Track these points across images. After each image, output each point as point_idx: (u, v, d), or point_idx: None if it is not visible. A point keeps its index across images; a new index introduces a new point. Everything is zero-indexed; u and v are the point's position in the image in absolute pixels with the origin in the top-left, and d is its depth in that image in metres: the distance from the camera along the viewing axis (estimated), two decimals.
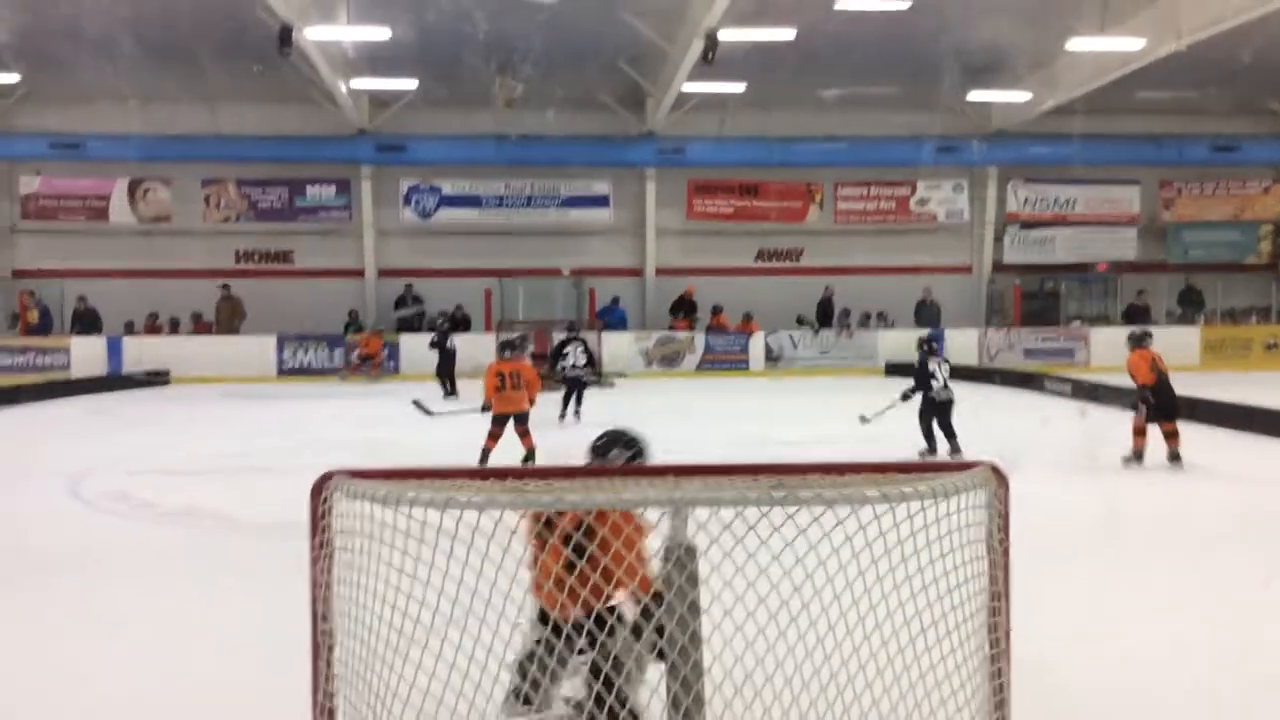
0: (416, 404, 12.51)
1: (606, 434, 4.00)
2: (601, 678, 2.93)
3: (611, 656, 3.01)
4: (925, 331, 18.80)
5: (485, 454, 10.59)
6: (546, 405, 17.52)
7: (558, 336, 18.89)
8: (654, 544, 3.05)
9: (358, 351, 22.84)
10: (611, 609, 3.16)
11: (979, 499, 2.94)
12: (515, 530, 2.76)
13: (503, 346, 11.62)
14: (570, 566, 3.02)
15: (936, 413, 11.37)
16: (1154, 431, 10.79)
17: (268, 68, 19.31)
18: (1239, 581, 6.29)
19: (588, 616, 3.05)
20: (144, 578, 6.77)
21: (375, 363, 22.61)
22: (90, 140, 23.09)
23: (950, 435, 11.30)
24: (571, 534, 3.05)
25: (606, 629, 3.02)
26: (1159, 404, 10.82)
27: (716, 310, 24.90)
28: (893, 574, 2.86)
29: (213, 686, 4.72)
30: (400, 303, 24.63)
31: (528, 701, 3.31)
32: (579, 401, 15.16)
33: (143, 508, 8.99)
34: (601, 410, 16.91)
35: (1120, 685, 4.51)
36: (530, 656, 3.28)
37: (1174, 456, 10.59)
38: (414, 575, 2.81)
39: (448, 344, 19.21)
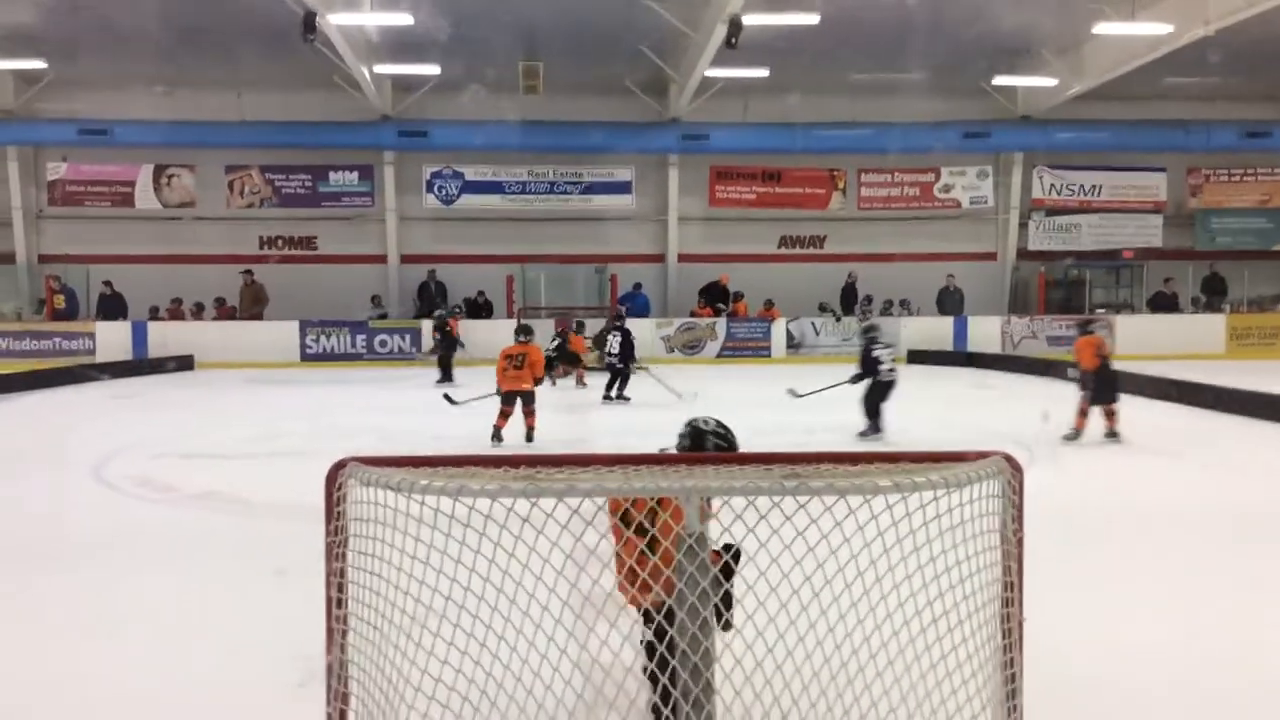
0: (446, 397, 12.99)
1: (691, 426, 3.92)
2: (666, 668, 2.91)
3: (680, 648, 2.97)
4: (868, 321, 19.14)
5: (496, 431, 11.48)
6: (586, 389, 17.58)
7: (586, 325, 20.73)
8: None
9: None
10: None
11: (993, 489, 2.93)
12: (527, 518, 2.77)
13: (517, 332, 12.50)
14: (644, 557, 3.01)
15: (881, 394, 12.02)
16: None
17: (291, 54, 19.35)
18: (1257, 576, 6.25)
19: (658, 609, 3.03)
20: (166, 561, 6.84)
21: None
22: (116, 126, 23.21)
23: (878, 414, 12.00)
24: (643, 522, 3.06)
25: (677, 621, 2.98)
26: (1101, 387, 11.72)
27: (737, 297, 24.86)
28: (904, 564, 2.86)
29: (231, 669, 4.77)
30: (424, 289, 24.68)
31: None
32: (622, 385, 16.00)
33: (165, 491, 9.07)
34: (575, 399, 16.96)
35: (1134, 677, 4.50)
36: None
37: (1110, 434, 11.52)
38: (426, 562, 2.83)
39: (447, 331, 19.41)
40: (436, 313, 20.90)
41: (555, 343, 18.70)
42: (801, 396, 12.67)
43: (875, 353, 12.11)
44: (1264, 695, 4.37)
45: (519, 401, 11.64)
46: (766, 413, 14.36)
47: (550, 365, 15.69)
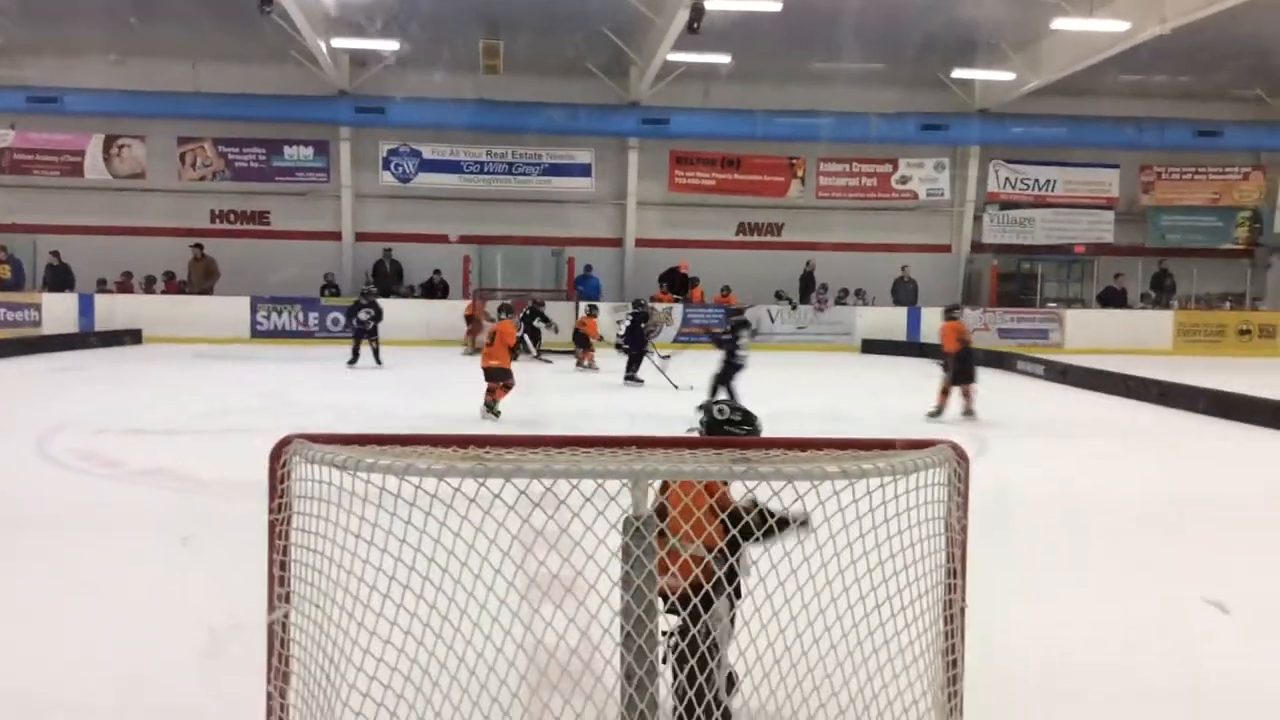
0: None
1: (711, 412, 3.87)
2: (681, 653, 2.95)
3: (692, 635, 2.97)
4: (738, 306, 20.20)
5: (489, 405, 11.96)
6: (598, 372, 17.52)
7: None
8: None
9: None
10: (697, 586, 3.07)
11: (939, 477, 2.95)
12: (474, 498, 2.75)
13: (500, 310, 13.69)
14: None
15: (732, 375, 12.88)
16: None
17: (248, 25, 19.05)
18: (1191, 566, 6.36)
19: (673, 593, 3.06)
20: (111, 536, 6.75)
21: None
22: (66, 95, 22.75)
23: (731, 394, 12.54)
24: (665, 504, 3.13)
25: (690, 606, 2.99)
26: (960, 369, 12.65)
27: (694, 283, 24.89)
28: (850, 549, 2.87)
29: (173, 645, 4.71)
30: (379, 268, 24.46)
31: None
32: (632, 367, 16.56)
33: (111, 466, 8.94)
34: (572, 381, 16.95)
35: (1071, 663, 4.56)
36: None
37: (968, 412, 12.47)
38: (371, 541, 2.81)
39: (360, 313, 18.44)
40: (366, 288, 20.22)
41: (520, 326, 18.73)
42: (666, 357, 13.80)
43: (742, 338, 13.12)
44: (1195, 682, 4.45)
45: (498, 378, 12.08)
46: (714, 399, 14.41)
47: (520, 345, 15.69)
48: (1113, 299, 25.62)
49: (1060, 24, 19.50)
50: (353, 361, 17.91)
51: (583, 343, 19.23)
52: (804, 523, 3.12)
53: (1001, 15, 20.38)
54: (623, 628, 2.75)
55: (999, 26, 21.11)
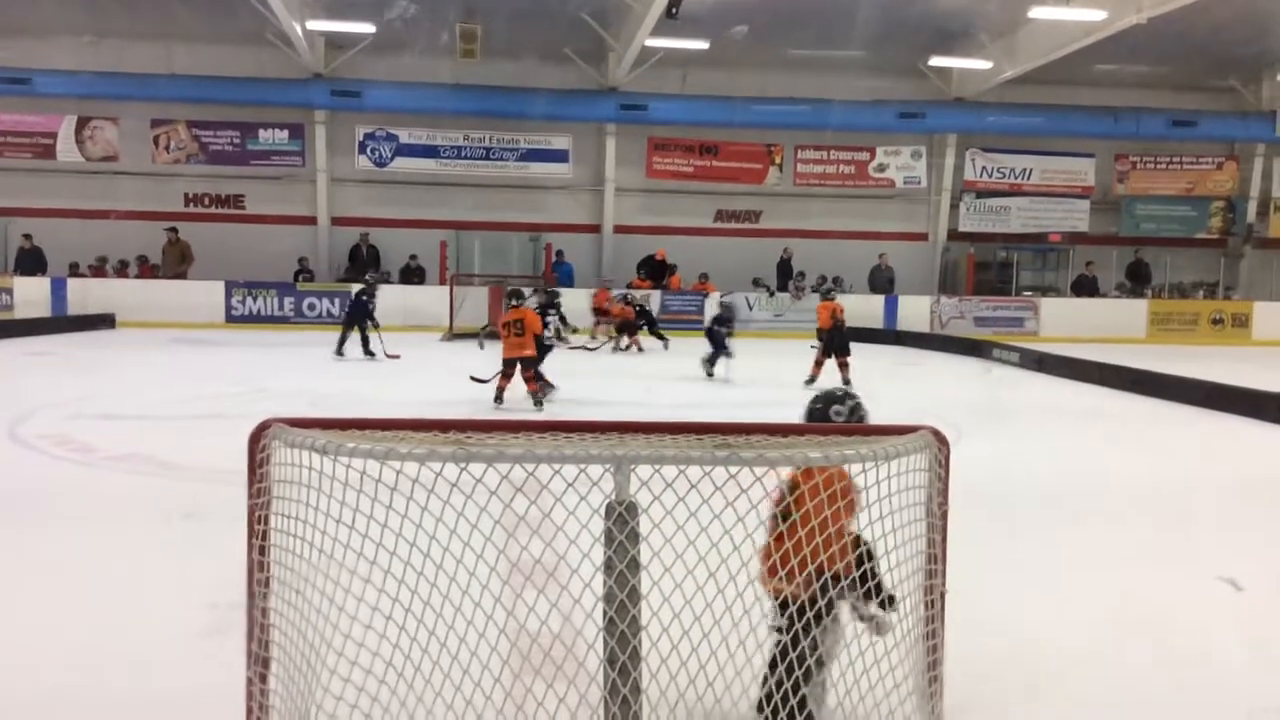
0: (474, 379, 12.64)
1: (821, 396, 3.84)
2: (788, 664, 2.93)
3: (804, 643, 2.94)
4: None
5: (499, 393, 11.67)
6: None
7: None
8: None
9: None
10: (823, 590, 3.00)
11: (920, 462, 2.97)
12: (456, 483, 2.74)
13: (509, 297, 12.60)
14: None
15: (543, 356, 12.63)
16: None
17: (222, 7, 18.87)
18: (1168, 552, 6.42)
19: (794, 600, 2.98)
20: (84, 522, 6.68)
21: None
22: (38, 76, 22.48)
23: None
24: (775, 512, 3.07)
25: (806, 614, 2.94)
26: (835, 344, 14.22)
27: (672, 270, 24.89)
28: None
29: (148, 632, 4.68)
30: (355, 253, 24.32)
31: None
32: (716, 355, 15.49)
33: (84, 452, 8.85)
34: (554, 367, 16.91)
35: (1053, 649, 4.59)
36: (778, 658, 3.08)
37: (845, 382, 13.39)
38: (353, 526, 2.79)
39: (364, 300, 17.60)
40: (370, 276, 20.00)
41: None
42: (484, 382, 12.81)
43: (547, 319, 13.10)
44: (1176, 668, 4.49)
45: (519, 367, 11.70)
46: (698, 386, 14.45)
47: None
48: (1084, 287, 25.79)
49: (1037, 13, 19.60)
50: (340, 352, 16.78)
51: (629, 328, 19.85)
52: (891, 599, 3.16)
53: (979, 4, 20.45)
54: (605, 613, 2.74)
55: (976, 15, 21.18)
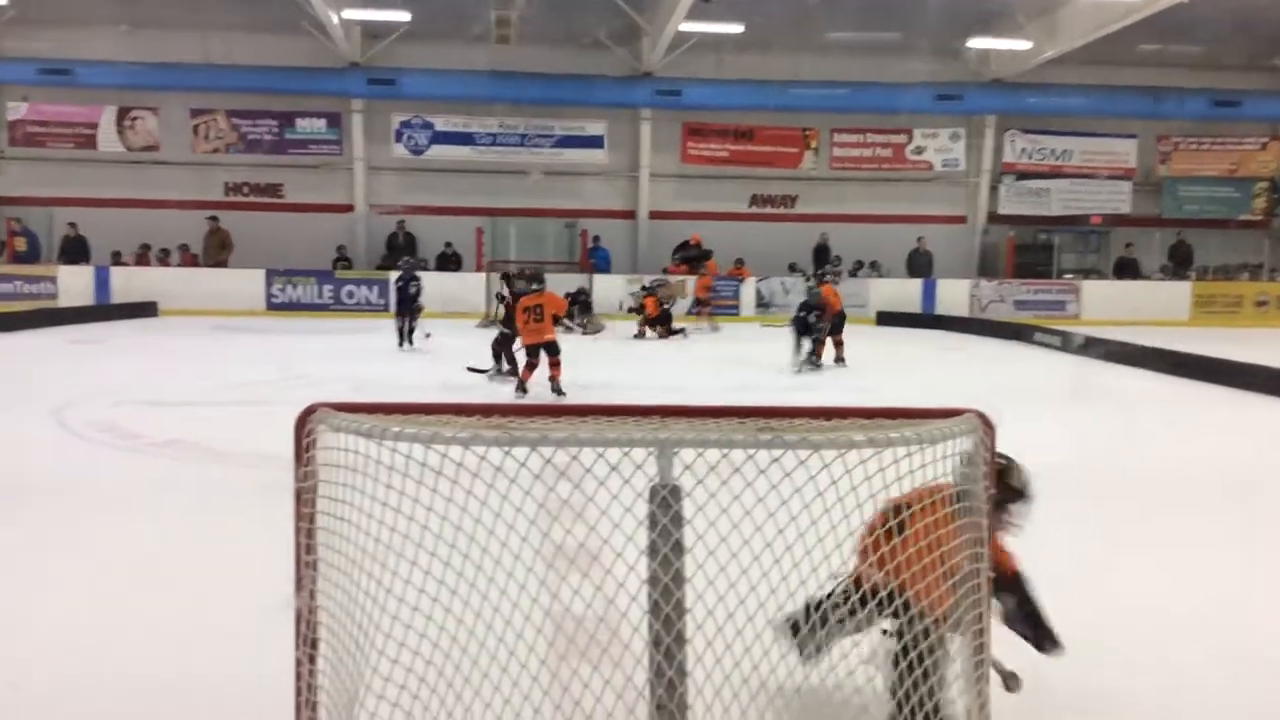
0: (471, 369, 12.82)
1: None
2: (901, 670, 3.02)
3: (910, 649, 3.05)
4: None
5: (521, 384, 11.49)
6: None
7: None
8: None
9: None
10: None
11: (966, 446, 2.94)
12: (500, 467, 2.75)
13: (529, 279, 12.54)
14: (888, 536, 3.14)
15: (504, 342, 12.75)
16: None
17: None
18: (1225, 534, 6.35)
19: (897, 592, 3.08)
20: (129, 507, 6.78)
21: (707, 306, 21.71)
22: (78, 67, 22.73)
23: (511, 360, 12.54)
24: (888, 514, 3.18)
25: (905, 616, 3.06)
26: (834, 324, 14.86)
27: (707, 255, 24.81)
28: None
29: (195, 616, 4.74)
30: (392, 240, 24.46)
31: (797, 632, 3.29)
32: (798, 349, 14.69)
33: (129, 438, 8.98)
34: (589, 354, 16.95)
35: (1100, 634, 4.55)
36: (823, 601, 3.24)
37: (839, 360, 14.60)
38: (398, 509, 2.81)
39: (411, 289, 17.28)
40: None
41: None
42: (483, 372, 13.08)
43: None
44: (1232, 660, 4.44)
45: (543, 353, 11.49)
46: (737, 370, 14.43)
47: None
48: (1126, 269, 25.47)
49: None
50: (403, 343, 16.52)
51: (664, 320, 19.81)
52: (1056, 644, 3.37)
53: None
54: (650, 596, 2.75)
55: None
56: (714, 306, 22.37)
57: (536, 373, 11.58)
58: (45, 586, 5.21)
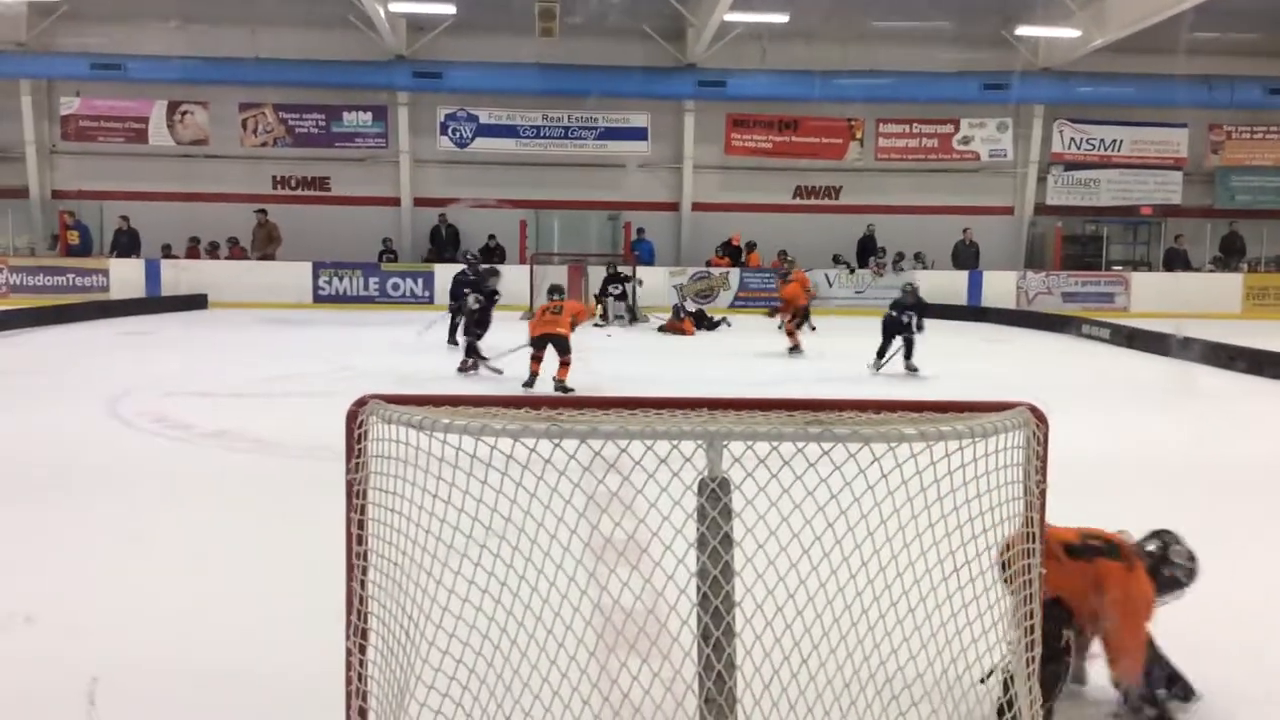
0: (488, 367, 12.84)
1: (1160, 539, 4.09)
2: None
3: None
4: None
5: (532, 376, 11.43)
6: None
7: None
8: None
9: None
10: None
11: (1017, 439, 2.91)
12: (549, 459, 2.76)
13: (550, 292, 12.80)
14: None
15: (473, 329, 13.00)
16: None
17: None
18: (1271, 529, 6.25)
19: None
20: (181, 496, 6.89)
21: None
22: (129, 61, 23.04)
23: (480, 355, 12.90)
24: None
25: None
26: (803, 314, 16.42)
27: (750, 248, 24.74)
28: (927, 513, 2.85)
29: (245, 606, 4.81)
30: (435, 234, 24.59)
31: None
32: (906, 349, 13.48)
33: (180, 428, 9.11)
34: (633, 344, 16.96)
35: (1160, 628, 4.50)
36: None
37: (794, 349, 15.22)
38: (448, 501, 2.83)
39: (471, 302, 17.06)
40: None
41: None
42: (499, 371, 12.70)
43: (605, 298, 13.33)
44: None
45: (551, 348, 11.30)
46: (778, 363, 14.38)
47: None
48: (1175, 261, 25.06)
49: None
50: (454, 341, 15.31)
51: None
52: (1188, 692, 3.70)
53: None
54: (699, 589, 2.75)
55: None
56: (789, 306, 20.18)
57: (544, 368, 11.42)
58: (95, 574, 5.31)
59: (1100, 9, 21.58)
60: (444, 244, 24.25)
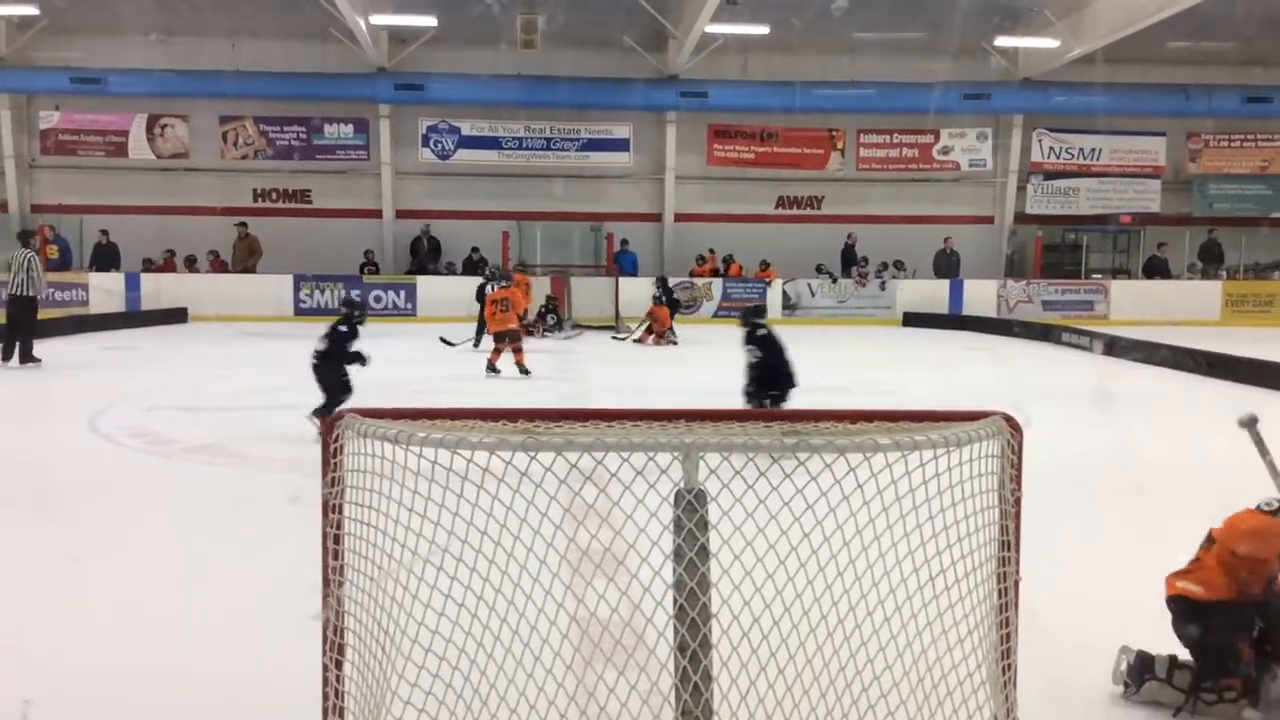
0: (442, 340, 14.24)
1: None
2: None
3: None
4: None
5: (490, 364, 13.29)
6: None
7: None
8: None
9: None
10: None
11: (992, 448, 2.92)
12: (525, 472, 2.76)
13: (500, 277, 15.49)
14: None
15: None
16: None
17: (287, 3, 19.12)
18: None
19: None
20: (162, 511, 6.85)
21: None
22: (110, 75, 22.97)
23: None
24: None
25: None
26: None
27: (729, 260, 24.78)
28: (902, 522, 2.85)
29: (224, 619, 4.78)
30: (416, 245, 24.58)
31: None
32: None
33: (161, 443, 9.07)
34: (616, 355, 16.98)
35: (1129, 635, 4.52)
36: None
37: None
38: (424, 514, 2.82)
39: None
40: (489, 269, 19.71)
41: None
42: (453, 345, 15.62)
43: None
44: None
45: (507, 339, 13.30)
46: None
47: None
48: (1155, 269, 25.23)
49: None
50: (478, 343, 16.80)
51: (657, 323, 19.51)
52: None
53: None
54: (676, 600, 2.75)
55: None
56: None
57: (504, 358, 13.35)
58: (78, 589, 5.27)
59: (1078, 20, 21.75)
60: (425, 256, 24.20)
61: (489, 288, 16.75)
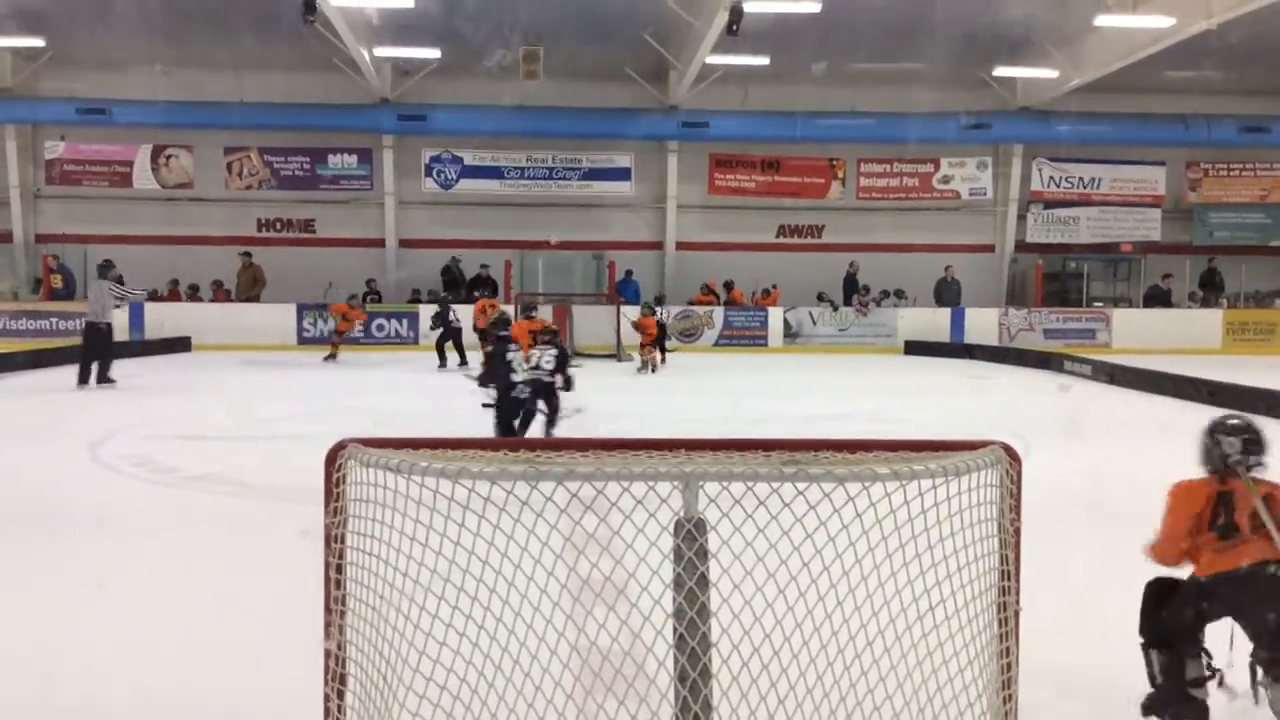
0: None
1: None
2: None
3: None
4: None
5: (486, 402, 12.86)
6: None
7: None
8: None
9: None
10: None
11: (991, 478, 2.94)
12: (526, 501, 2.78)
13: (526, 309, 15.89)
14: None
15: (511, 411, 9.45)
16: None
17: (291, 35, 19.26)
18: None
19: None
20: (163, 540, 6.86)
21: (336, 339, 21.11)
22: (115, 106, 23.10)
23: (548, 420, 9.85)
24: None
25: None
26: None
27: (729, 286, 24.80)
28: (902, 551, 2.87)
29: (226, 647, 4.78)
30: (447, 272, 24.53)
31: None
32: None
33: (163, 472, 9.08)
34: (618, 384, 16.98)
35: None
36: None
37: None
38: (425, 543, 2.84)
39: (451, 319, 19.20)
40: (444, 297, 20.79)
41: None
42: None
43: (509, 355, 9.36)
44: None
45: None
46: (764, 401, 14.40)
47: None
48: (1157, 298, 25.25)
49: (1103, 21, 19.32)
50: (462, 363, 18.74)
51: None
52: None
53: (1043, 12, 20.21)
54: (676, 630, 2.76)
55: (1041, 24, 20.90)
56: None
57: None
58: (79, 617, 5.27)
59: (1078, 50, 21.88)
60: (456, 283, 24.16)
61: (451, 315, 19.01)
